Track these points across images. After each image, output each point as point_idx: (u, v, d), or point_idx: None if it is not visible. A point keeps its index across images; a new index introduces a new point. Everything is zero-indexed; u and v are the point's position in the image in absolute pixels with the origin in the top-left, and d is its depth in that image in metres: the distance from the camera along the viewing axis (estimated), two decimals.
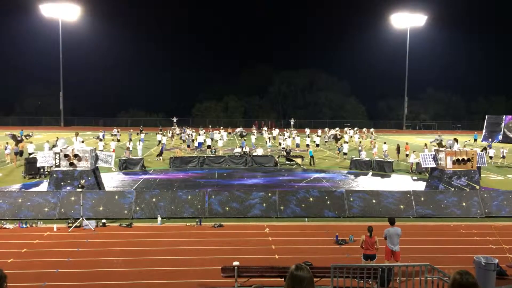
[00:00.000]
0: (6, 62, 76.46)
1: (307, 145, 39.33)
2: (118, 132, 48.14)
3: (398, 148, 33.56)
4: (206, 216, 16.34)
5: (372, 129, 54.60)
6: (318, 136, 43.18)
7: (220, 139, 40.46)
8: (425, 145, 32.08)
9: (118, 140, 44.90)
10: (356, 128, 54.34)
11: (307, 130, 54.87)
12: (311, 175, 26.42)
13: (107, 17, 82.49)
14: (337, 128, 52.22)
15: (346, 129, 52.95)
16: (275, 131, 51.88)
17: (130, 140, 39.83)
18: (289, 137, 43.24)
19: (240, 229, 15.27)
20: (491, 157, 32.05)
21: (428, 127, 77.10)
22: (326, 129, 53.82)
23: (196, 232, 14.83)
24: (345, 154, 33.66)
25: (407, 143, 33.88)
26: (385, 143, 33.85)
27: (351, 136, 49.08)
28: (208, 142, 37.75)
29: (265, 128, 56.34)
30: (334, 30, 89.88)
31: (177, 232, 14.87)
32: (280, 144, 39.48)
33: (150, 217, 16.16)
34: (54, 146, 27.50)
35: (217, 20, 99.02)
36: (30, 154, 28.46)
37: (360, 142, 33.61)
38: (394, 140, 42.81)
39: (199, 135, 41.91)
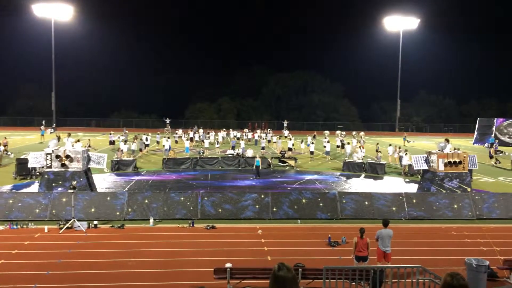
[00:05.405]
0: None
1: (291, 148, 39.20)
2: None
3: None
4: (199, 218, 16.31)
5: (362, 133, 51.97)
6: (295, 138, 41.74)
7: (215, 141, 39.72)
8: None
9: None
10: (338, 132, 52.77)
11: (286, 132, 54.05)
12: (304, 177, 26.47)
13: (100, 17, 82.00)
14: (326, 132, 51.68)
15: (338, 132, 52.14)
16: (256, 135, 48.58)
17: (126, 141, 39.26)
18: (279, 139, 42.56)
19: (233, 231, 15.25)
20: None
21: (420, 130, 77.56)
22: (327, 132, 53.12)
23: (189, 234, 14.79)
24: (327, 153, 34.53)
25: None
26: (390, 145, 33.68)
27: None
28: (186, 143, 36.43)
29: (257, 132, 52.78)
30: (327, 32, 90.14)
31: (169, 233, 14.82)
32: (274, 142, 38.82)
33: (142, 219, 16.10)
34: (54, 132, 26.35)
35: (210, 22, 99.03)
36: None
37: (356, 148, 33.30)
38: (386, 143, 42.92)
39: (165, 138, 37.70)
